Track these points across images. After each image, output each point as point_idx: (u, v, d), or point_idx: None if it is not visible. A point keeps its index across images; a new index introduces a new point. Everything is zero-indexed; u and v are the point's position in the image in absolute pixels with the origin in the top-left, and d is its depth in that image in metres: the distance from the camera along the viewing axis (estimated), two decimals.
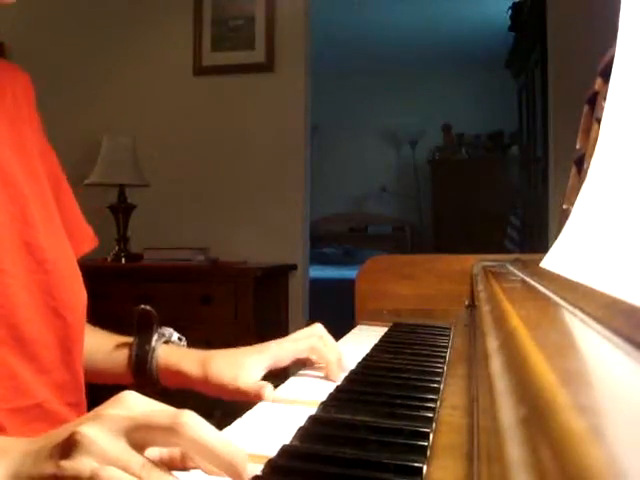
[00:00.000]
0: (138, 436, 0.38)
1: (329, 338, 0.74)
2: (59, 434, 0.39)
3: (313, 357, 0.72)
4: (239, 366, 0.69)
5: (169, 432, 0.38)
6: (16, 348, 0.62)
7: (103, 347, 0.77)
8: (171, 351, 0.74)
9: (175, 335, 0.78)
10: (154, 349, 0.73)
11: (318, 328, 0.74)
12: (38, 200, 0.69)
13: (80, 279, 0.73)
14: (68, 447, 0.37)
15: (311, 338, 0.72)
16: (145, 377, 0.73)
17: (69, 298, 0.69)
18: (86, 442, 0.37)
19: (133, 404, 0.41)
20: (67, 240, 0.73)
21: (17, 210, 0.65)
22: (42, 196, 0.70)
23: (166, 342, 0.76)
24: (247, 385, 0.67)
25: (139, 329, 0.75)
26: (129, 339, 0.76)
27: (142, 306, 0.75)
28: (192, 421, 0.39)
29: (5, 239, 0.63)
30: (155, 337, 0.74)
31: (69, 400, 0.69)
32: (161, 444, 0.38)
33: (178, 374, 0.72)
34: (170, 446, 0.38)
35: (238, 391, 0.67)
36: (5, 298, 0.61)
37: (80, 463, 0.36)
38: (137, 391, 0.42)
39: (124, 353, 0.75)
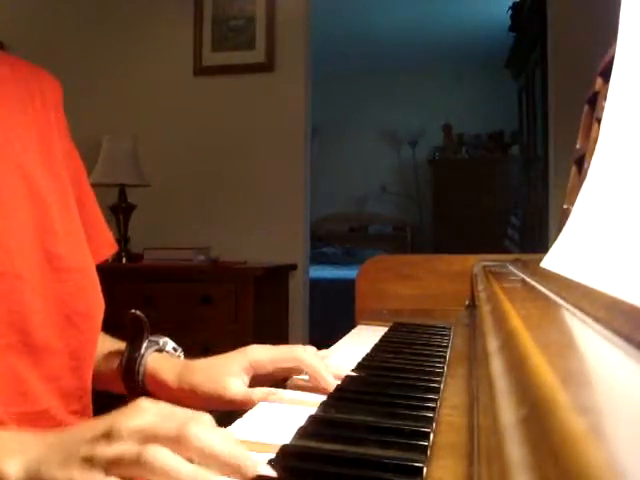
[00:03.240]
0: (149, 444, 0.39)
1: (315, 354, 0.69)
2: (71, 448, 0.41)
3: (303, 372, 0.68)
4: (221, 375, 0.66)
5: (176, 443, 0.39)
6: (25, 354, 0.62)
7: (99, 351, 0.76)
8: (157, 359, 0.73)
9: (170, 345, 0.76)
10: (142, 356, 0.72)
11: (307, 347, 0.70)
12: (61, 207, 0.68)
13: (98, 288, 0.72)
14: (82, 464, 0.39)
15: (294, 348, 0.68)
16: (133, 385, 0.72)
17: (84, 307, 0.69)
18: (100, 462, 0.39)
19: (144, 413, 0.42)
20: (87, 248, 0.72)
21: (39, 216, 0.65)
22: (65, 203, 0.70)
23: (159, 351, 0.74)
24: (236, 394, 0.64)
25: (132, 335, 0.74)
26: (122, 345, 0.76)
27: (133, 311, 0.73)
28: (197, 431, 0.39)
29: (24, 246, 0.63)
30: (145, 344, 0.73)
31: (75, 408, 0.69)
32: (172, 452, 0.39)
33: (158, 383, 0.70)
34: (180, 455, 0.39)
35: (227, 400, 0.65)
36: (18, 304, 0.61)
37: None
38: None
39: (116, 360, 0.74)
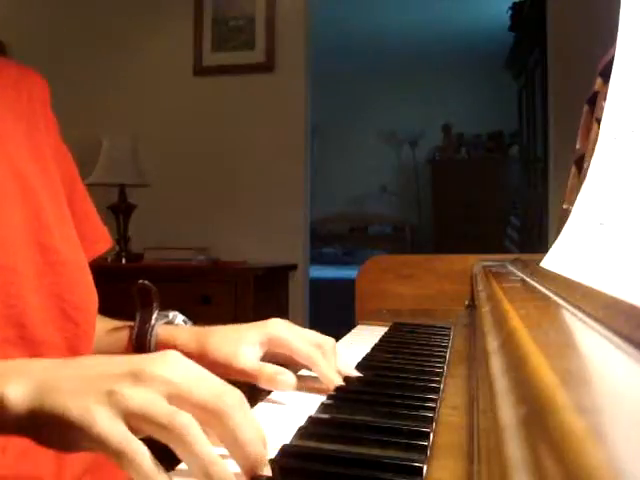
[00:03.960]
0: (177, 403, 0.37)
1: (331, 353, 0.66)
2: (88, 377, 0.38)
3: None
4: (236, 341, 0.65)
5: (209, 413, 0.37)
6: (23, 348, 0.62)
7: (101, 331, 0.75)
8: (168, 329, 0.71)
9: (180, 317, 0.75)
10: (153, 327, 0.71)
11: (328, 340, 0.68)
12: (52, 201, 0.69)
13: (91, 281, 0.72)
14: (100, 397, 0.36)
15: (310, 347, 0.64)
16: None
17: (79, 300, 0.69)
18: (125, 405, 0.36)
19: (176, 366, 0.39)
20: (79, 242, 0.72)
21: (31, 211, 0.65)
22: (56, 198, 0.70)
23: (169, 323, 0.73)
24: (246, 364, 0.63)
25: (141, 306, 0.73)
26: (127, 322, 0.75)
27: (141, 281, 0.72)
28: (234, 409, 0.38)
29: (18, 239, 0.63)
30: (155, 315, 0.72)
31: None
32: (197, 420, 0.36)
33: (171, 348, 0.69)
34: (205, 425, 0.37)
35: (236, 369, 0.63)
36: (16, 298, 0.61)
37: (113, 427, 0.35)
38: None
39: (124, 334, 0.73)
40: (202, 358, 0.65)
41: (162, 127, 2.81)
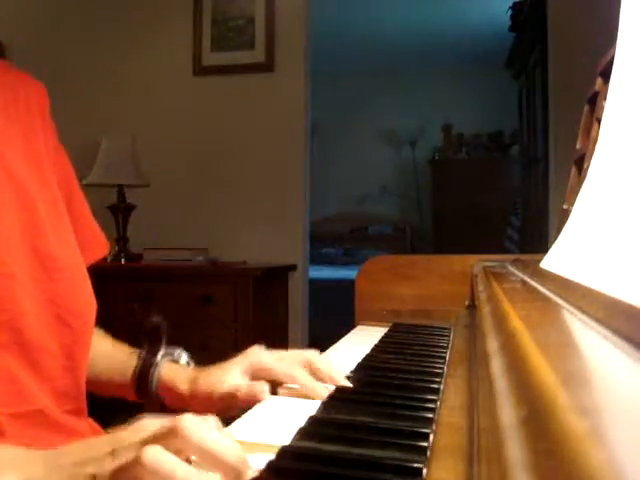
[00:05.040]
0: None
1: (319, 364, 0.67)
2: (73, 467, 0.40)
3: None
4: (221, 375, 0.69)
5: (172, 435, 0.39)
6: (19, 353, 0.62)
7: (108, 356, 0.78)
8: (171, 368, 0.75)
9: (184, 357, 0.78)
10: (158, 364, 0.74)
11: (309, 354, 0.69)
12: (49, 207, 0.69)
13: (89, 287, 0.72)
14: None
15: (294, 368, 0.66)
16: (146, 391, 0.74)
17: (76, 306, 0.69)
18: (106, 470, 0.39)
19: (142, 425, 0.42)
20: (77, 248, 0.72)
21: (27, 216, 0.65)
22: (53, 203, 0.70)
23: (173, 362, 0.76)
24: (229, 386, 0.66)
25: (150, 343, 0.76)
26: (134, 351, 0.77)
27: (154, 319, 0.76)
28: (191, 423, 0.40)
29: (14, 245, 0.63)
30: (161, 353, 0.75)
31: (70, 407, 0.69)
32: (172, 450, 0.39)
33: (171, 390, 0.73)
34: (176, 448, 0.39)
35: (220, 393, 0.67)
36: (11, 303, 0.61)
37: None
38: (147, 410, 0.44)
39: (130, 365, 0.76)
40: (193, 397, 0.70)
41: (161, 127, 2.81)
